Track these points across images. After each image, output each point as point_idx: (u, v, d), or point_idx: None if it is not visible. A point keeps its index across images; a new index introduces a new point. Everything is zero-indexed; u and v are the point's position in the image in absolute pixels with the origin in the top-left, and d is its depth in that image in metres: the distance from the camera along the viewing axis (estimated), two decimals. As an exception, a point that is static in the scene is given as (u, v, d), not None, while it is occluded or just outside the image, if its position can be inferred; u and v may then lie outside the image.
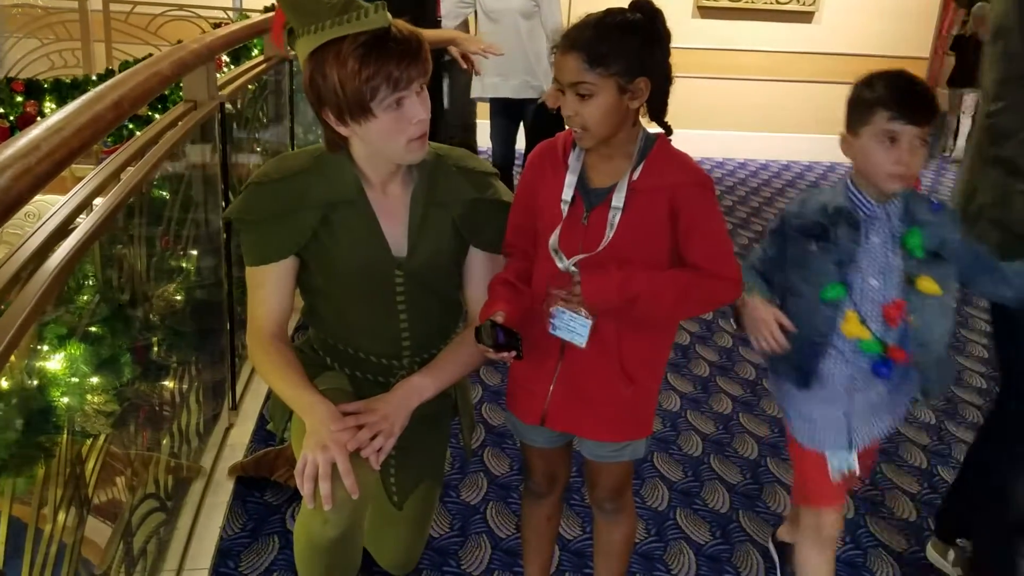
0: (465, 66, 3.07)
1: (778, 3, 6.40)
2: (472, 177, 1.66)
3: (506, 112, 4.28)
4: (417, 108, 1.48)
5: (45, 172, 1.15)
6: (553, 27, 3.89)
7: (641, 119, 1.51)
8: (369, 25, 1.42)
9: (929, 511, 2.47)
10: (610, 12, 1.44)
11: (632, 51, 1.41)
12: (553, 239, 1.52)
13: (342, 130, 1.51)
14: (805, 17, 6.46)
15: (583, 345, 1.50)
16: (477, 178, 1.66)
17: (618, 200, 1.48)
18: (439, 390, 1.65)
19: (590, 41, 1.41)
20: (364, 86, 1.42)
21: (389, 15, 1.46)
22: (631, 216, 1.48)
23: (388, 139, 1.49)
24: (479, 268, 1.69)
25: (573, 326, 1.50)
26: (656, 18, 1.45)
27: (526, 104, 4.21)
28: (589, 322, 1.49)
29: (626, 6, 1.46)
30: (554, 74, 1.49)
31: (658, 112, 1.50)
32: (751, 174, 6.37)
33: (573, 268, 1.51)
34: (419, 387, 1.62)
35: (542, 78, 4.06)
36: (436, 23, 3.49)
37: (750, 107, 6.62)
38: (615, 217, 1.48)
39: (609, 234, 1.48)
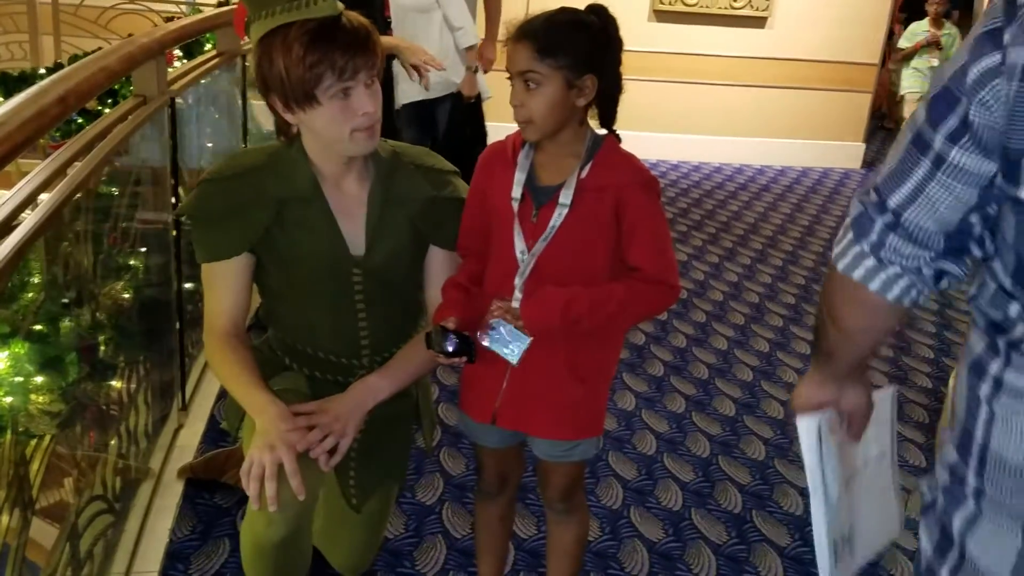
0: (415, 78, 3.04)
1: (732, 8, 6.47)
2: (430, 175, 1.65)
3: (418, 121, 3.74)
4: (364, 100, 1.47)
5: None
6: (454, 19, 3.68)
7: (591, 124, 1.53)
8: (318, 12, 1.42)
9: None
10: (564, 10, 1.47)
11: (582, 48, 1.44)
12: (518, 243, 1.52)
13: (289, 117, 1.51)
14: (758, 22, 6.54)
15: (515, 363, 1.51)
16: (435, 176, 1.66)
17: (566, 197, 1.49)
18: (395, 390, 1.64)
19: (541, 32, 1.44)
20: (308, 73, 1.42)
21: (341, 4, 1.46)
22: (577, 214, 1.50)
23: (333, 128, 1.48)
24: (438, 267, 1.69)
25: (510, 341, 1.51)
26: (609, 23, 1.48)
27: (438, 105, 3.76)
28: (528, 340, 1.50)
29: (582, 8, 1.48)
30: (505, 63, 1.50)
31: (607, 119, 1.53)
32: (705, 177, 6.44)
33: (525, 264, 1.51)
34: (374, 388, 1.62)
35: (451, 73, 3.65)
36: (385, 23, 3.45)
37: (705, 111, 6.69)
38: (562, 214, 1.49)
39: (552, 230, 1.50)
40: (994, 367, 0.97)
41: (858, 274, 1.04)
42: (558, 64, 1.43)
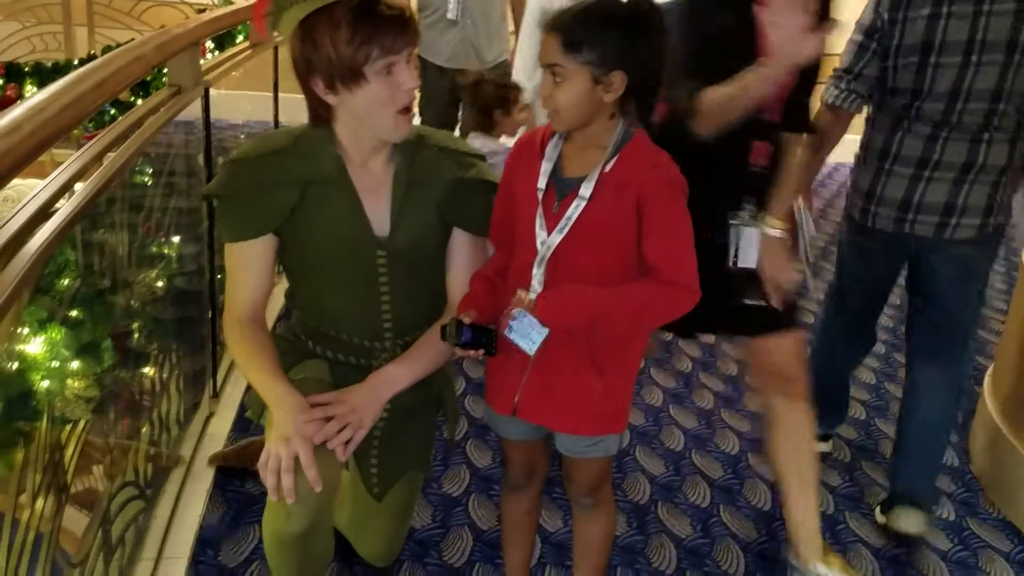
0: None
1: None
2: (455, 157, 1.65)
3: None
4: (407, 76, 1.48)
5: (27, 152, 1.14)
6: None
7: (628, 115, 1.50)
8: None
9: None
10: (601, 2, 1.43)
11: (610, 43, 1.40)
12: (540, 233, 1.51)
13: (330, 99, 1.50)
14: None
15: (532, 354, 1.50)
16: (460, 158, 1.66)
17: (585, 190, 1.47)
18: (415, 380, 1.64)
19: (568, 25, 1.41)
20: (357, 50, 1.42)
21: None
22: (598, 207, 1.48)
23: (377, 108, 1.49)
24: (462, 251, 1.68)
25: (529, 332, 1.50)
26: (648, 14, 1.43)
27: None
28: (546, 331, 1.48)
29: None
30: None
31: (643, 111, 1.49)
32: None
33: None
34: (393, 377, 1.62)
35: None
36: None
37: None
38: (579, 207, 1.48)
39: (570, 220, 1.48)
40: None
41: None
42: (583, 60, 1.40)
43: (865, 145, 2.30)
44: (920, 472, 2.39)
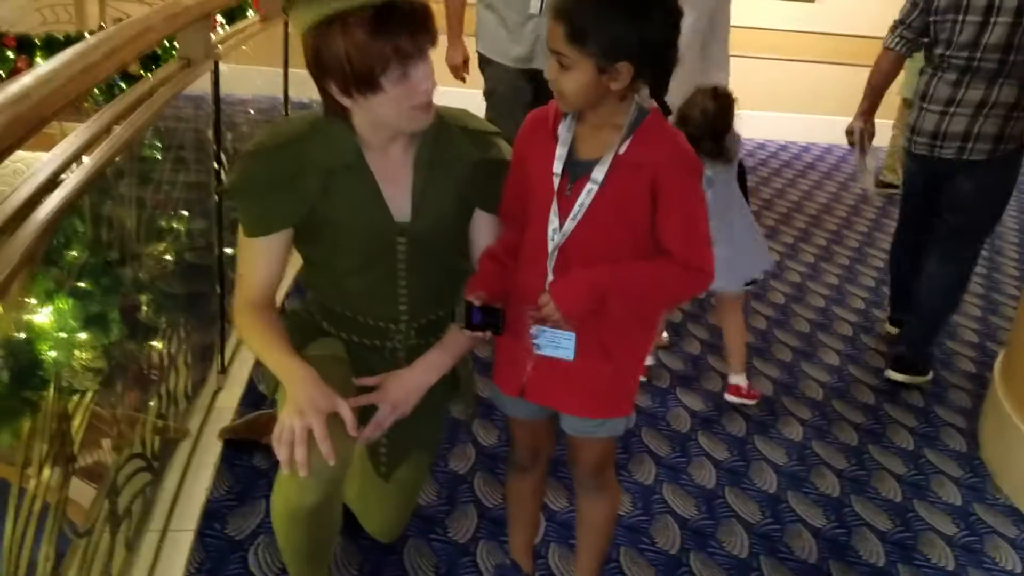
0: None
1: (781, -19, 6.36)
2: (475, 137, 1.62)
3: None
4: (423, 76, 1.44)
5: (36, 120, 1.13)
6: None
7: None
8: None
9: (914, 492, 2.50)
10: None
11: (614, 34, 1.34)
12: (553, 220, 1.50)
13: (345, 102, 1.47)
14: (807, -4, 6.42)
15: (571, 358, 1.51)
16: (479, 138, 1.63)
17: (598, 173, 1.45)
18: (454, 364, 1.68)
19: (572, 14, 1.36)
20: (374, 60, 1.38)
21: None
22: (611, 190, 1.45)
23: (394, 110, 1.46)
24: (484, 230, 1.66)
25: (557, 341, 1.51)
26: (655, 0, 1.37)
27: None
28: (573, 334, 1.48)
29: None
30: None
31: (655, 90, 1.47)
32: (747, 153, 6.32)
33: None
34: (437, 364, 1.65)
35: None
36: None
37: (751, 85, 6.44)
38: (591, 191, 1.46)
39: (583, 207, 1.46)
40: None
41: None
42: (587, 51, 1.35)
43: (915, 92, 3.07)
44: (921, 336, 3.13)
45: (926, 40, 2.97)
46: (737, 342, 2.89)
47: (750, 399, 2.87)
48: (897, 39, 3.04)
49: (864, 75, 3.18)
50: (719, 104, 2.62)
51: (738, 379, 2.88)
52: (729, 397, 2.88)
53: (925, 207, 3.15)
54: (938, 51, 2.89)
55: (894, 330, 3.45)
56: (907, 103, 3.71)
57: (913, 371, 3.09)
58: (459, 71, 3.47)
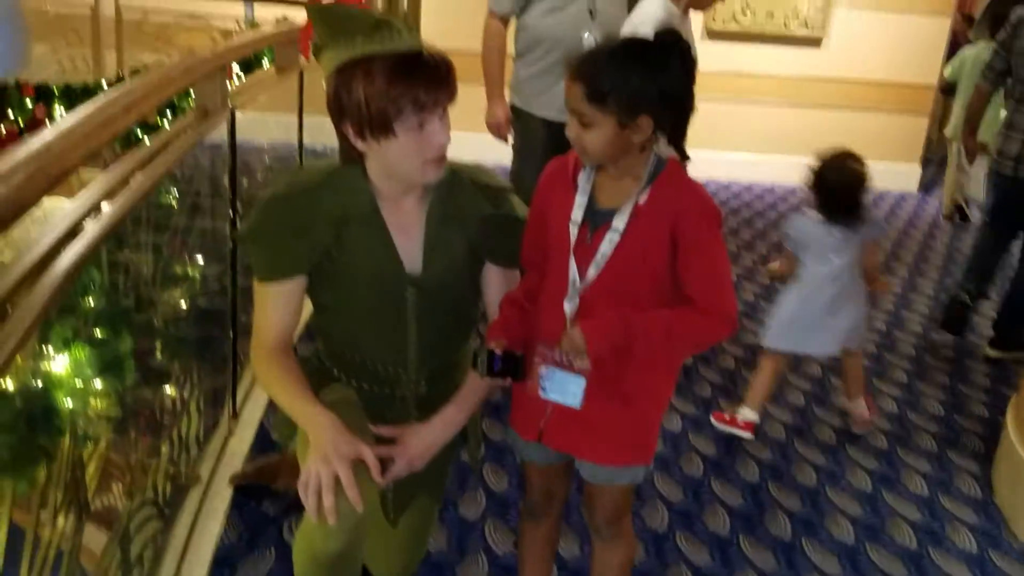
0: None
1: (786, 28, 6.42)
2: (488, 192, 1.65)
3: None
4: (438, 133, 1.47)
5: (58, 172, 1.15)
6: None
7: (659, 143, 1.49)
8: (402, 46, 1.41)
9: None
10: (624, 44, 1.42)
11: (632, 90, 1.38)
12: (572, 270, 1.51)
13: (360, 145, 1.50)
14: (813, 42, 6.48)
15: (578, 406, 1.50)
16: (492, 193, 1.65)
17: (619, 222, 1.47)
18: (468, 418, 1.70)
19: (591, 75, 1.39)
20: (389, 105, 1.41)
21: (422, 38, 1.45)
22: (632, 239, 1.47)
23: (405, 160, 1.49)
24: (496, 282, 1.69)
25: (566, 385, 1.50)
26: (671, 46, 1.41)
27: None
28: (583, 380, 1.48)
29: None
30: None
31: (674, 140, 1.49)
32: (756, 196, 6.38)
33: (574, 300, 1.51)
34: (452, 421, 1.67)
35: None
36: None
37: (758, 130, 6.62)
38: (613, 240, 1.47)
39: (604, 256, 1.48)
40: None
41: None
42: (609, 109, 1.38)
43: (1001, 122, 3.75)
44: (1012, 318, 3.76)
45: (1010, 78, 3.66)
46: (770, 386, 2.98)
47: (744, 430, 2.91)
48: (984, 78, 3.80)
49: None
50: (861, 166, 2.86)
51: (747, 413, 2.92)
52: (719, 424, 2.95)
53: (1007, 219, 3.79)
54: (1018, 88, 3.60)
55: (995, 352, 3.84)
56: (983, 147, 4.23)
57: (1007, 348, 3.74)
58: (502, 129, 3.17)
